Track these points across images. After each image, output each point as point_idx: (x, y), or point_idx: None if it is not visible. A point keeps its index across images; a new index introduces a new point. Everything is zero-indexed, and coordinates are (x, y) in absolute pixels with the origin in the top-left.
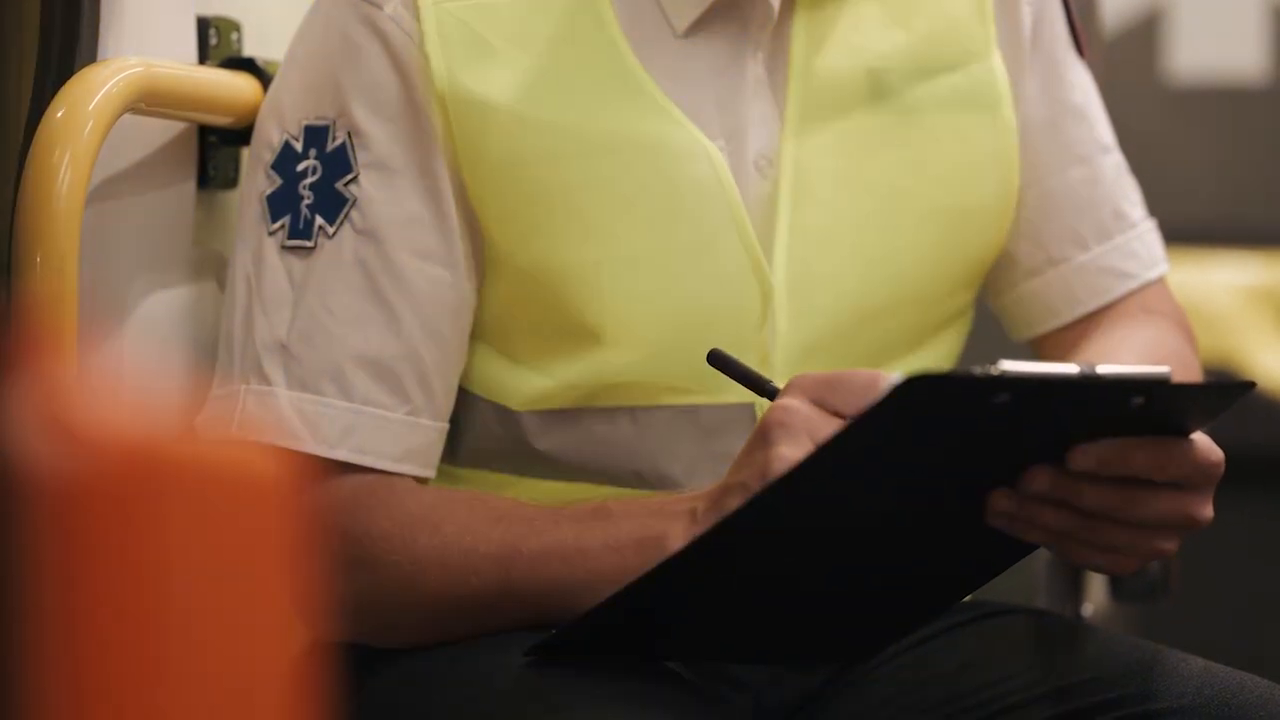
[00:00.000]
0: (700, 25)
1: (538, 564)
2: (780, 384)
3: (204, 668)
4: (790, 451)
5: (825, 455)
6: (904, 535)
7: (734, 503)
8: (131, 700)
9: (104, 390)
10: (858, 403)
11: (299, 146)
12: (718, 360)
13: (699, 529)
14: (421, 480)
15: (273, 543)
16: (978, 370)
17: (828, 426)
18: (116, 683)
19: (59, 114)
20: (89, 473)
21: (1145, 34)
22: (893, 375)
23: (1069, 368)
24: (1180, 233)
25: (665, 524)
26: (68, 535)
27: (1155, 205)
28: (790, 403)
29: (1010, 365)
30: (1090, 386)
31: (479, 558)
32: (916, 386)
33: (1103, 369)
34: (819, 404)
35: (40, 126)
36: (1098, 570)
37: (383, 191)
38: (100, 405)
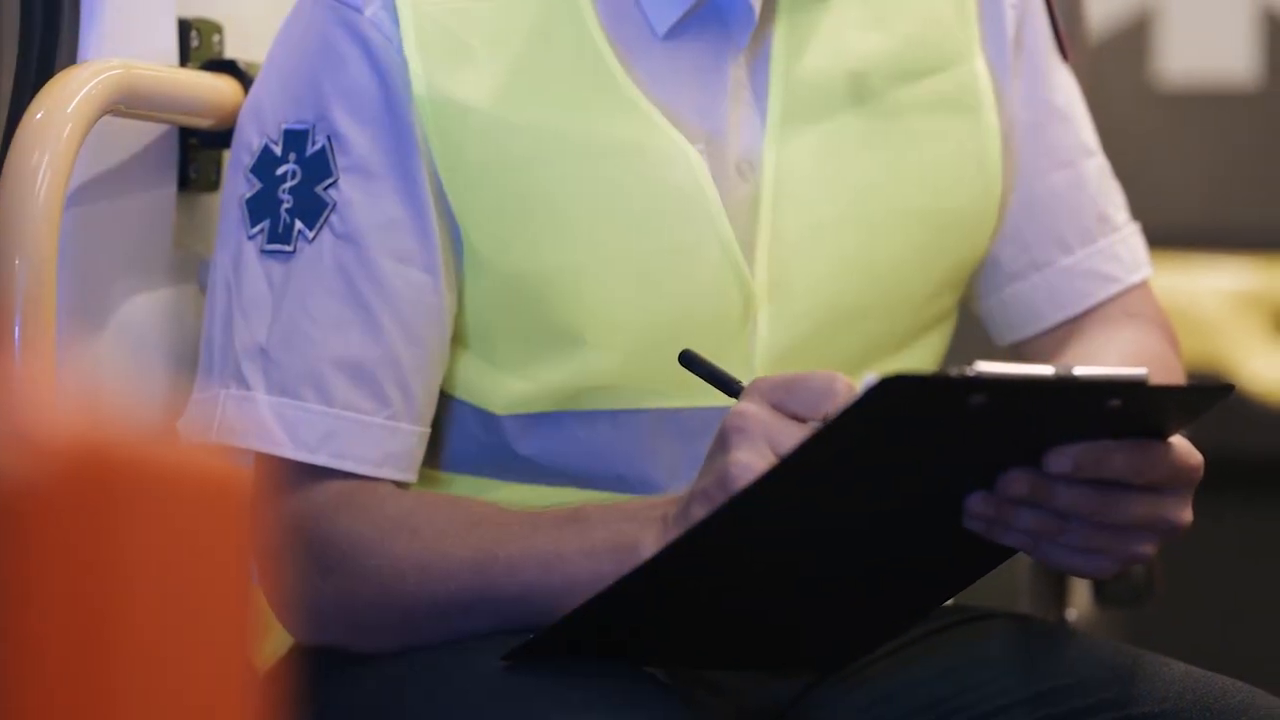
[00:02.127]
0: (681, 27)
1: (514, 569)
2: None
3: (161, 674)
4: (747, 457)
5: (798, 459)
6: (881, 540)
7: (698, 510)
8: (86, 709)
9: (64, 393)
10: (815, 405)
11: (278, 150)
12: (688, 360)
13: (670, 535)
14: (402, 485)
15: (232, 547)
16: (953, 371)
17: (786, 430)
18: (70, 691)
19: (38, 116)
20: (44, 477)
21: (1134, 37)
22: (868, 377)
23: (1045, 369)
24: (1169, 237)
25: (638, 530)
26: (21, 540)
27: (1144, 209)
28: (747, 408)
29: (986, 366)
30: (1066, 388)
31: (456, 562)
32: (892, 388)
33: (1079, 370)
34: (777, 407)
35: (19, 128)
36: (1077, 574)
37: (362, 195)
38: (58, 409)
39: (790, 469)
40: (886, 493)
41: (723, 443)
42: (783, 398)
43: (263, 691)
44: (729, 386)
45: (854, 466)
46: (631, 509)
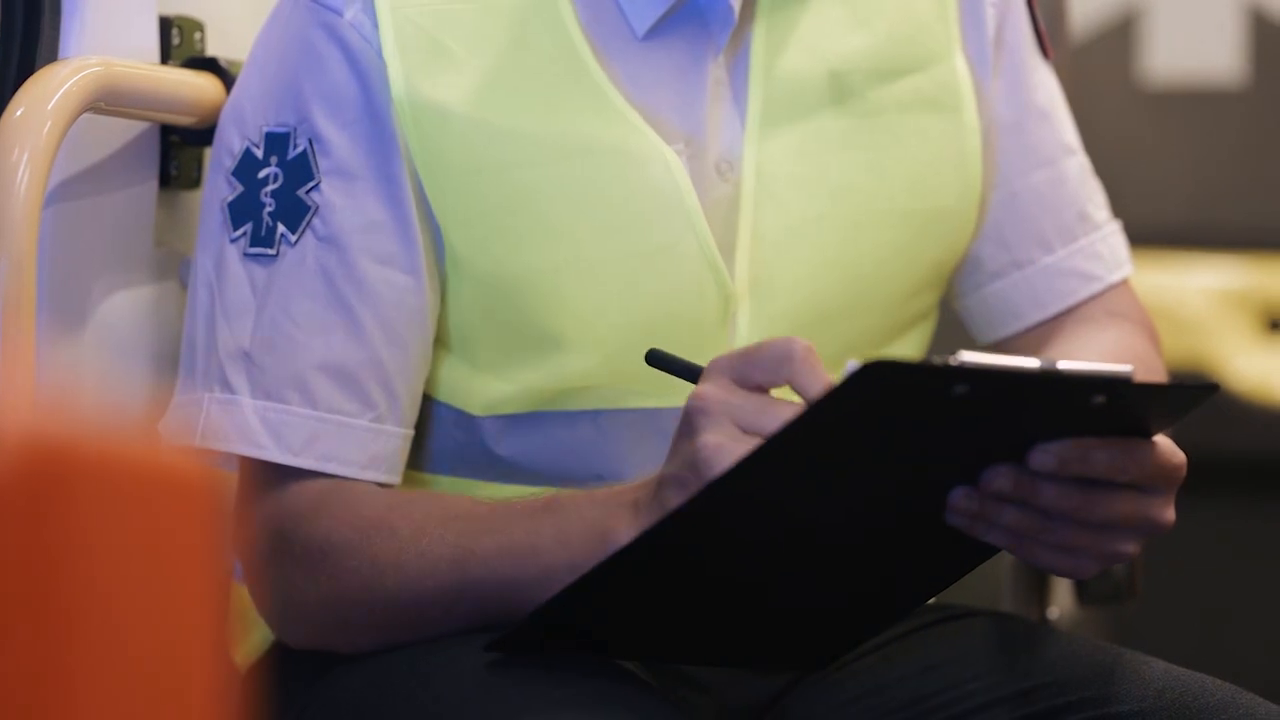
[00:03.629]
0: (661, 28)
1: (491, 562)
2: None
3: (125, 673)
4: (715, 438)
5: (777, 443)
6: (863, 536)
7: (670, 496)
8: (46, 709)
9: (42, 391)
10: (775, 371)
11: (260, 153)
12: (656, 360)
13: (642, 521)
14: (384, 486)
15: (200, 545)
16: (936, 360)
17: (749, 403)
18: (28, 691)
19: (18, 113)
20: (2, 475)
21: (1120, 36)
22: (850, 363)
23: (1029, 362)
24: (1154, 235)
25: (611, 517)
26: None
27: (1129, 208)
28: (706, 389)
29: (969, 356)
30: (1050, 382)
31: (434, 559)
32: (874, 373)
33: (1063, 365)
34: (739, 381)
35: None
36: (1058, 573)
37: (344, 198)
38: (34, 406)
39: (769, 453)
40: (867, 485)
41: (688, 427)
42: (741, 370)
43: (239, 690)
44: (696, 376)
45: (834, 455)
46: (603, 496)
